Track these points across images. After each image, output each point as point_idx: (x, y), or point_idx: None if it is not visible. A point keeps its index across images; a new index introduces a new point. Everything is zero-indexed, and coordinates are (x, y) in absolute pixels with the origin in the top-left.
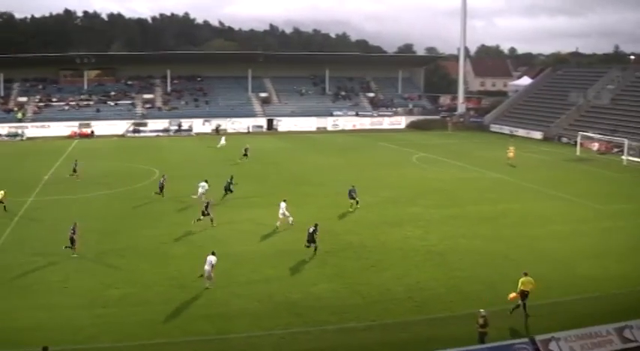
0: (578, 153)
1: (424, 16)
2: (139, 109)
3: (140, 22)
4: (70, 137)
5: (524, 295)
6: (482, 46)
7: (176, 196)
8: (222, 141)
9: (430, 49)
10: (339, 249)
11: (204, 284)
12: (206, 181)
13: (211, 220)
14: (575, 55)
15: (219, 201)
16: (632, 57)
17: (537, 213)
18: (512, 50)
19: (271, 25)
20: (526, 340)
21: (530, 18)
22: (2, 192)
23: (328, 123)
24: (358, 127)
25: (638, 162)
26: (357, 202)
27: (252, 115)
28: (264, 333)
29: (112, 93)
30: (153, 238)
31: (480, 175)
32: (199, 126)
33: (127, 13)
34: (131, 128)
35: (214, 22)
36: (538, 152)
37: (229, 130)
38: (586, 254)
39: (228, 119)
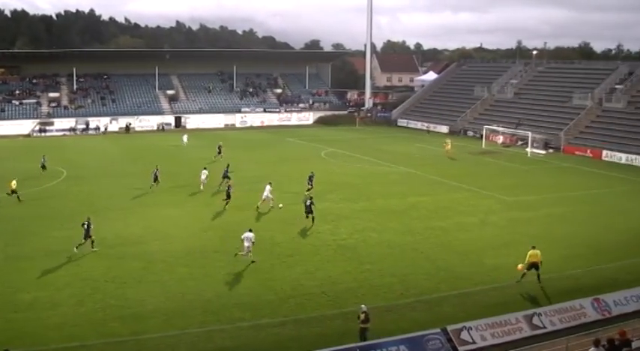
0: (483, 146)
1: (330, 12)
2: (44, 108)
3: (44, 19)
4: None
5: (534, 265)
6: (389, 41)
7: (86, 197)
8: (185, 139)
9: (337, 46)
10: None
11: (249, 258)
12: (205, 168)
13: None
14: (480, 50)
15: (216, 187)
16: (535, 52)
17: (446, 205)
18: (418, 46)
19: (177, 22)
20: (438, 330)
21: (435, 14)
22: (14, 181)
23: (236, 119)
24: (266, 123)
25: (541, 154)
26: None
27: (160, 112)
28: (179, 332)
29: (17, 92)
30: (64, 240)
31: (389, 169)
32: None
33: (31, 10)
34: (37, 128)
35: (120, 19)
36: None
37: (137, 128)
38: (494, 244)
39: (136, 117)
